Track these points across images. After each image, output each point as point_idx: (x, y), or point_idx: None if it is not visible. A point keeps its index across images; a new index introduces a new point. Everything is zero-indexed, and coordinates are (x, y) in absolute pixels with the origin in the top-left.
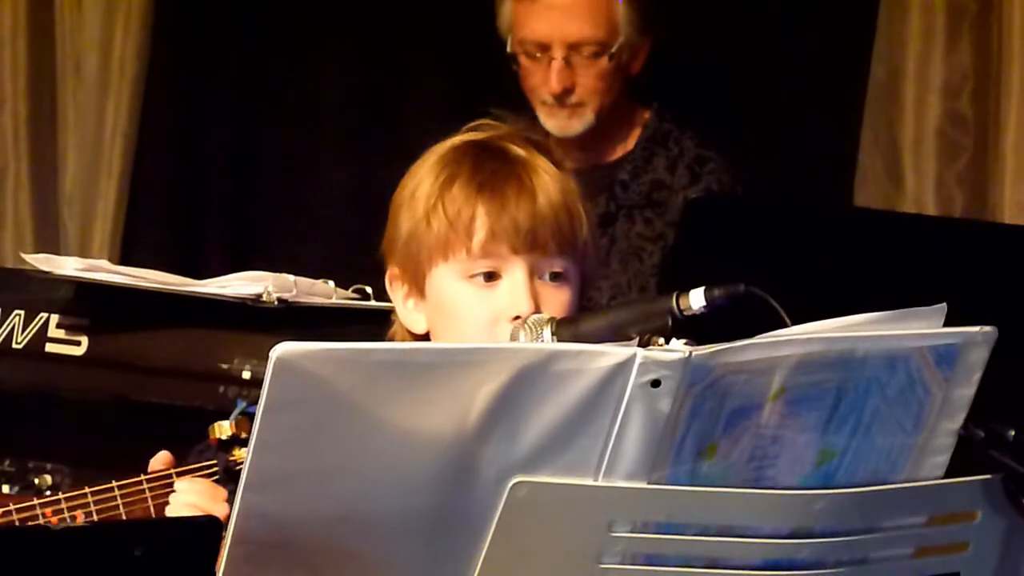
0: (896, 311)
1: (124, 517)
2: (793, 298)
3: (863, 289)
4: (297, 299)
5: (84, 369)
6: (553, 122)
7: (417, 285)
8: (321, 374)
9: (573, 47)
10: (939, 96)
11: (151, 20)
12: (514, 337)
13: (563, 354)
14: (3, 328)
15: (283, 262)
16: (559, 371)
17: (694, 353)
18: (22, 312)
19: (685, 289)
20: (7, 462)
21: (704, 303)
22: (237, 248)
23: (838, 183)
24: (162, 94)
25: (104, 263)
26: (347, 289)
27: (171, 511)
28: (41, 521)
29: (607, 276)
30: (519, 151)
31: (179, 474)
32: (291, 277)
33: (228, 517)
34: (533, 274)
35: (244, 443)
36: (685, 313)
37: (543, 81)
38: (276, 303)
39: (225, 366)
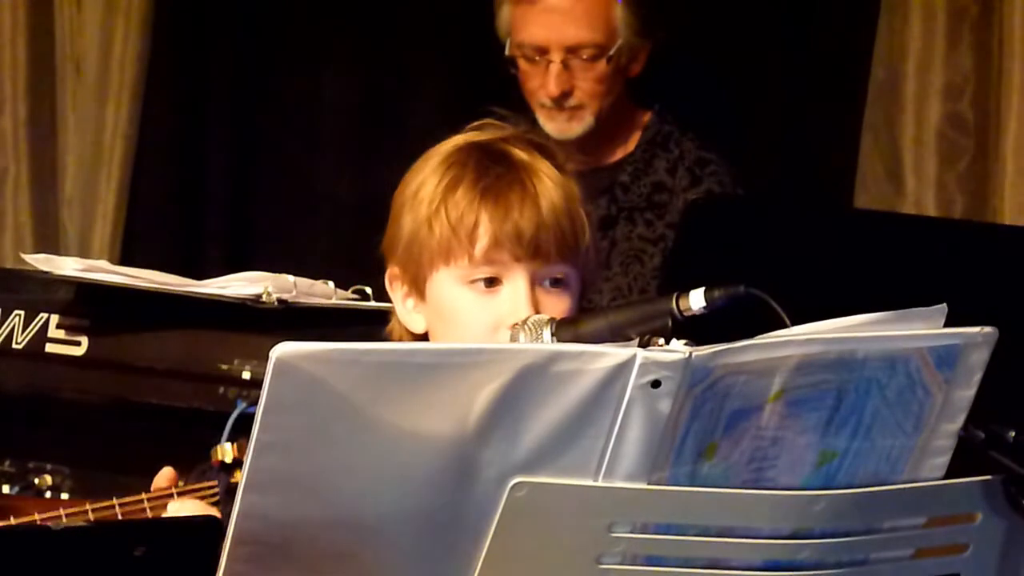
0: (896, 312)
1: None
2: (793, 299)
3: (863, 290)
4: (297, 300)
5: (84, 369)
6: (552, 125)
7: (417, 286)
8: (321, 375)
9: (571, 50)
10: (940, 98)
11: (151, 21)
12: (514, 338)
13: (563, 355)
14: (3, 328)
15: (283, 263)
16: (559, 372)
17: (694, 354)
18: (22, 312)
19: (685, 290)
20: (7, 462)
21: (704, 304)
22: (237, 249)
23: (839, 185)
24: (162, 95)
25: (104, 263)
26: (347, 290)
27: None
28: None
29: (608, 278)
30: (522, 155)
31: (180, 493)
32: (291, 278)
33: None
34: (534, 281)
35: None
36: (685, 314)
37: (541, 84)
38: (276, 304)
39: (225, 367)
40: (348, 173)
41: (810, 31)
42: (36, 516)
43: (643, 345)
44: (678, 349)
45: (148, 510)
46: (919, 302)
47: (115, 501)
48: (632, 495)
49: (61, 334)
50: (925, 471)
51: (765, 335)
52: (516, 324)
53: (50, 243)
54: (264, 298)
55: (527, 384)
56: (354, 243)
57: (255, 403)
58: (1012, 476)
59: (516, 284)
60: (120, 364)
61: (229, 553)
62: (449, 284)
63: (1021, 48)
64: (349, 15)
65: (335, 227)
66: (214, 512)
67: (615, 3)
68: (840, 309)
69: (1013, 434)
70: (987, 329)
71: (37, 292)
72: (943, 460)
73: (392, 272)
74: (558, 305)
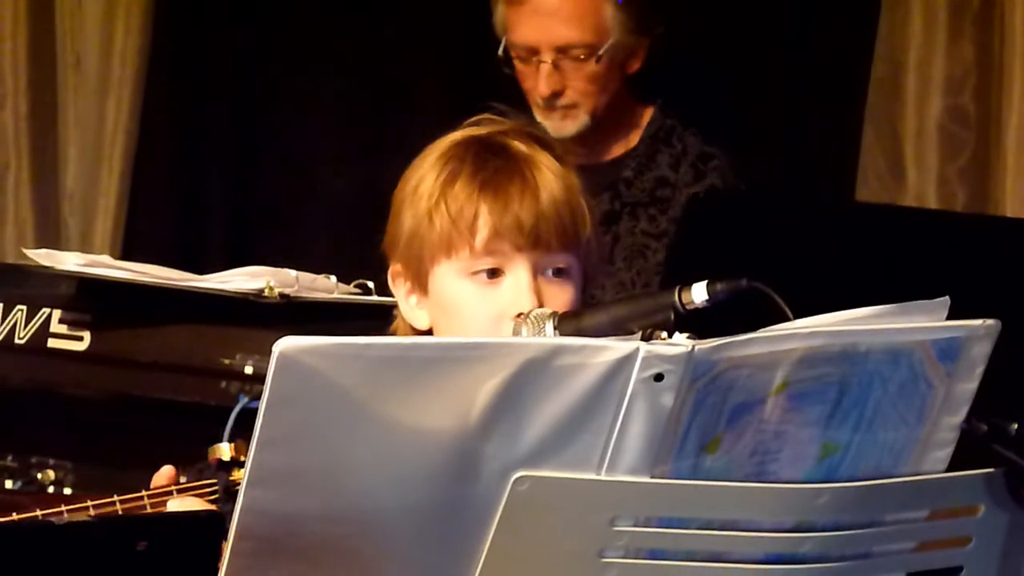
0: (899, 305)
1: None
2: (796, 293)
3: (866, 284)
4: (299, 294)
5: (86, 364)
6: (547, 124)
7: (419, 282)
8: (324, 369)
9: (561, 50)
10: (941, 91)
11: (152, 15)
12: (516, 332)
13: (566, 348)
14: (5, 324)
15: (285, 257)
16: (562, 366)
17: (697, 347)
18: (24, 308)
19: (688, 284)
20: (10, 458)
21: (707, 297)
22: (239, 244)
23: (840, 178)
24: (163, 90)
25: (106, 258)
26: (349, 284)
27: None
28: None
29: (611, 274)
30: (521, 147)
31: (180, 491)
32: (293, 272)
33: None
34: (536, 271)
35: (243, 466)
36: (688, 307)
37: (535, 84)
38: (278, 298)
39: (227, 361)
40: (348, 169)
41: (812, 25)
42: (38, 512)
43: (646, 339)
44: (681, 343)
45: (148, 507)
46: (921, 295)
47: (116, 498)
48: (635, 489)
49: (63, 329)
50: (928, 464)
51: (768, 328)
52: (518, 318)
53: (51, 238)
54: (266, 293)
55: (530, 378)
56: (355, 237)
57: (257, 398)
58: (1015, 469)
59: (518, 274)
60: (122, 359)
61: (232, 547)
62: (451, 277)
63: (1022, 41)
64: (349, 14)
65: (336, 221)
66: (211, 510)
67: (606, 2)
68: (842, 302)
69: (1016, 427)
70: (989, 322)
71: (39, 287)
72: (946, 453)
73: (394, 269)
74: (561, 295)
